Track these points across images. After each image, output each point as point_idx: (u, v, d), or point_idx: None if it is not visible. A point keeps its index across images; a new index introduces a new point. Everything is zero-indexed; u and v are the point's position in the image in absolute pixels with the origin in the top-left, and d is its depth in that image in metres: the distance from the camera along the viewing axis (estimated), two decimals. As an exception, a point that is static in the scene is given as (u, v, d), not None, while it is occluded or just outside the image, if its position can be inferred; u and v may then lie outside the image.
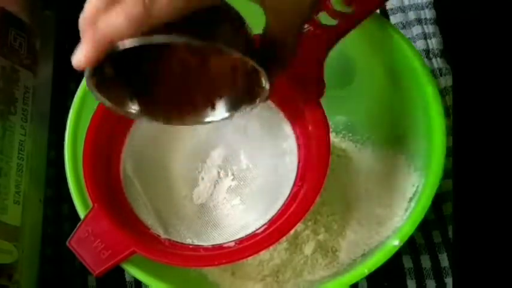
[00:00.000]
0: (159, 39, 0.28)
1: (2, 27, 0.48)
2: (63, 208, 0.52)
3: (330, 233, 0.45)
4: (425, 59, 0.53)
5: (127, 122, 0.41)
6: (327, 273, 0.43)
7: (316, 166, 0.37)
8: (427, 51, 0.54)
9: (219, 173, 0.44)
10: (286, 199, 0.38)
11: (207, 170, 0.44)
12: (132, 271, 0.38)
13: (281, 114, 0.40)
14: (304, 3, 0.31)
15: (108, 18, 0.28)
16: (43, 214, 0.50)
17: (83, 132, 0.40)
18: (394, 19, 0.56)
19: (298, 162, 0.39)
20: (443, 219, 0.49)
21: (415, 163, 0.43)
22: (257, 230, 0.38)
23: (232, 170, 0.44)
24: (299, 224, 0.36)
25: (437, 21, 0.55)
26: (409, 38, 0.53)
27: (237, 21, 0.31)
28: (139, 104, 0.35)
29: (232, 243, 0.38)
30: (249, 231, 0.38)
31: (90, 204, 0.39)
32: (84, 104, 0.42)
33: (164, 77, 0.36)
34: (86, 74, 0.30)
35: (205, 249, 0.39)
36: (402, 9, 0.56)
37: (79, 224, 0.38)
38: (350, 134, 0.50)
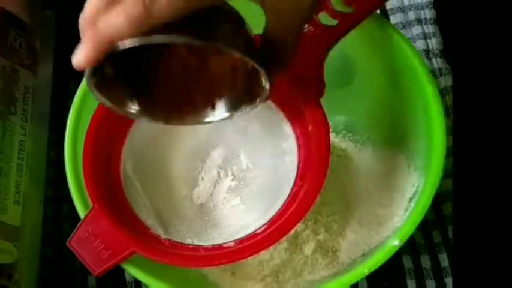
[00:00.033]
0: (159, 39, 0.28)
1: (2, 27, 0.48)
2: (63, 208, 0.52)
3: (330, 233, 0.45)
4: (425, 59, 0.53)
5: (127, 122, 0.41)
6: (327, 273, 0.43)
7: (316, 166, 0.37)
8: (427, 51, 0.54)
9: (219, 173, 0.44)
10: (286, 199, 0.38)
11: (207, 170, 0.44)
12: (132, 271, 0.38)
13: (281, 114, 0.40)
14: (304, 3, 0.31)
15: (108, 18, 0.28)
16: (43, 214, 0.50)
17: (83, 132, 0.40)
18: (394, 19, 0.56)
19: (298, 162, 0.39)
20: (443, 219, 0.49)
21: (415, 163, 0.43)
22: (257, 230, 0.38)
23: (232, 170, 0.44)
24: (299, 224, 0.36)
25: (437, 21, 0.55)
26: (409, 38, 0.53)
27: (237, 21, 0.31)
28: (139, 104, 0.35)
29: (232, 243, 0.38)
30: (249, 231, 0.38)
31: (90, 204, 0.39)
32: (84, 104, 0.42)
33: (164, 77, 0.36)
34: (86, 74, 0.30)
35: (205, 249, 0.39)
36: (402, 9, 0.56)
37: (79, 224, 0.38)
38: (350, 134, 0.50)
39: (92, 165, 0.39)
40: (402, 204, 0.43)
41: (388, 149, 0.47)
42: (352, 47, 0.44)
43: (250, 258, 0.41)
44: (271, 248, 0.38)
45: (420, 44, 0.54)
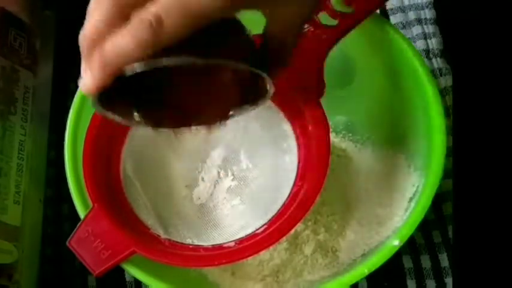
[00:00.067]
0: (168, 61, 0.28)
1: (2, 27, 0.48)
2: (63, 208, 0.52)
3: (330, 233, 0.45)
4: (425, 59, 0.53)
5: (127, 122, 0.41)
6: (327, 273, 0.43)
7: (316, 166, 0.37)
8: (427, 51, 0.54)
9: (219, 173, 0.44)
10: (286, 199, 0.38)
11: (207, 170, 0.44)
12: (132, 271, 0.38)
13: (281, 114, 0.40)
14: (304, 3, 0.31)
15: (114, 41, 0.28)
16: (43, 214, 0.50)
17: (83, 132, 0.40)
18: (394, 19, 0.56)
19: (298, 162, 0.39)
20: (443, 219, 0.49)
21: (415, 163, 0.43)
22: (257, 230, 0.38)
23: (232, 170, 0.44)
24: (299, 224, 0.36)
25: (437, 21, 0.55)
26: (409, 38, 0.53)
27: (239, 29, 0.31)
28: (145, 115, 0.35)
29: (232, 243, 0.38)
30: (249, 231, 0.38)
31: (90, 204, 0.39)
32: (84, 104, 0.42)
33: (171, 90, 0.36)
34: (92, 96, 0.30)
35: (205, 249, 0.39)
36: (402, 9, 0.56)
37: (79, 224, 0.38)
38: (350, 134, 0.50)
39: (92, 165, 0.39)
40: (402, 204, 0.43)
41: (388, 149, 0.47)
42: (352, 47, 0.44)
43: (250, 258, 0.41)
44: (271, 248, 0.38)
45: (420, 44, 0.54)
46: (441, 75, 0.53)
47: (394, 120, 0.46)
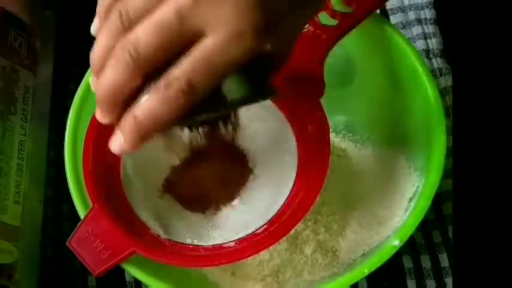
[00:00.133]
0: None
1: (2, 27, 0.48)
2: (63, 208, 0.52)
3: (330, 233, 0.45)
4: (425, 59, 0.53)
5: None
6: (327, 273, 0.43)
7: (316, 166, 0.37)
8: (427, 51, 0.54)
9: (219, 173, 0.44)
10: (286, 199, 0.38)
11: (207, 170, 0.44)
12: (132, 271, 0.38)
13: (281, 114, 0.40)
14: (302, 21, 0.32)
15: (147, 107, 0.28)
16: (43, 214, 0.50)
17: (83, 132, 0.40)
18: (394, 19, 0.56)
19: (298, 162, 0.39)
20: (443, 219, 0.49)
21: (415, 163, 0.43)
22: (257, 230, 0.38)
23: (233, 170, 0.44)
24: (299, 224, 0.36)
25: (437, 21, 0.55)
26: (409, 38, 0.53)
27: None
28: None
29: (232, 243, 0.38)
30: (249, 231, 0.38)
31: (90, 204, 0.39)
32: (84, 104, 0.42)
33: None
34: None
35: (205, 249, 0.39)
36: (402, 9, 0.56)
37: (79, 224, 0.38)
38: (350, 134, 0.50)
39: (92, 165, 0.39)
40: (402, 204, 0.43)
41: (388, 149, 0.47)
42: (352, 47, 0.44)
43: (250, 258, 0.41)
44: (271, 248, 0.38)
45: (420, 44, 0.54)
46: (441, 75, 0.53)
47: (394, 120, 0.46)
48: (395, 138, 0.47)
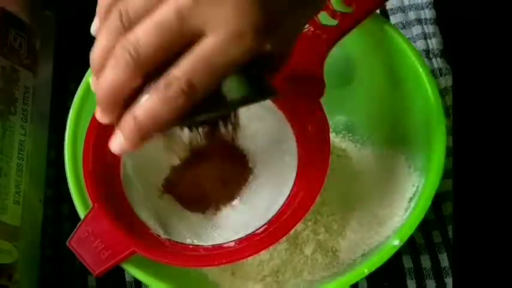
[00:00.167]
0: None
1: (2, 27, 0.48)
2: (63, 208, 0.52)
3: (330, 233, 0.45)
4: (425, 59, 0.53)
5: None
6: (327, 273, 0.43)
7: (316, 166, 0.37)
8: (427, 51, 0.54)
9: (219, 172, 0.44)
10: (286, 199, 0.38)
11: (207, 170, 0.44)
12: (132, 271, 0.38)
13: (281, 114, 0.40)
14: (302, 21, 0.32)
15: (147, 107, 0.28)
16: (43, 214, 0.50)
17: (83, 132, 0.40)
18: (394, 19, 0.56)
19: (298, 162, 0.39)
20: (443, 219, 0.49)
21: (415, 163, 0.43)
22: (257, 230, 0.38)
23: (233, 170, 0.44)
24: (299, 224, 0.36)
25: (437, 21, 0.55)
26: (409, 38, 0.53)
27: None
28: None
29: (232, 243, 0.38)
30: (249, 231, 0.38)
31: (90, 204, 0.39)
32: (84, 104, 0.42)
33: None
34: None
35: (205, 249, 0.39)
36: (402, 9, 0.56)
37: (79, 224, 0.38)
38: (350, 134, 0.50)
39: (92, 165, 0.39)
40: (402, 204, 0.43)
41: (388, 149, 0.47)
42: (352, 47, 0.44)
43: (250, 258, 0.41)
44: (271, 248, 0.38)
45: (420, 44, 0.54)
46: (441, 75, 0.53)
47: (394, 120, 0.46)
48: (395, 138, 0.47)
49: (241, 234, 0.38)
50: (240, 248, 0.37)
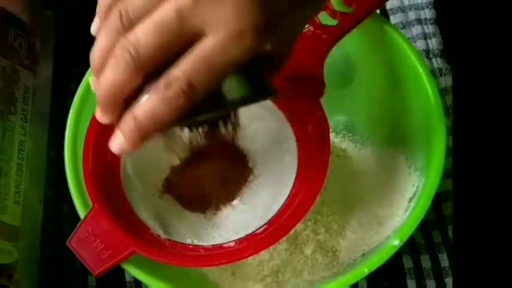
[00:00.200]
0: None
1: (2, 27, 0.48)
2: (63, 208, 0.52)
3: (330, 233, 0.45)
4: (425, 59, 0.53)
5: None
6: (327, 273, 0.43)
7: (316, 166, 0.37)
8: (427, 51, 0.54)
9: (219, 172, 0.44)
10: (286, 199, 0.38)
11: (207, 170, 0.44)
12: (132, 271, 0.38)
13: (281, 115, 0.40)
14: (302, 21, 0.32)
15: (147, 107, 0.28)
16: (43, 214, 0.50)
17: (83, 132, 0.40)
18: (394, 19, 0.56)
19: (298, 162, 0.39)
20: (443, 219, 0.49)
21: (415, 163, 0.43)
22: (257, 230, 0.38)
23: (233, 169, 0.44)
24: (299, 224, 0.36)
25: (437, 21, 0.55)
26: (409, 38, 0.53)
27: None
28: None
29: (232, 243, 0.38)
30: (249, 231, 0.38)
31: (90, 204, 0.39)
32: (84, 104, 0.42)
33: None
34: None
35: (205, 249, 0.39)
36: (402, 9, 0.56)
37: (79, 224, 0.38)
38: (350, 134, 0.50)
39: (92, 165, 0.39)
40: (402, 204, 0.43)
41: (388, 149, 0.47)
42: (352, 47, 0.44)
43: (250, 258, 0.41)
44: (271, 248, 0.38)
45: (420, 44, 0.54)
46: (441, 75, 0.53)
47: (394, 120, 0.46)
48: (395, 138, 0.47)
49: (241, 234, 0.38)
50: (240, 248, 0.37)
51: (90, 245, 0.38)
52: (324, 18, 0.40)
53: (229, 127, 0.37)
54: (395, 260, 0.46)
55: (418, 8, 0.56)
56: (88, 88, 0.42)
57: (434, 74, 0.53)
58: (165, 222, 0.41)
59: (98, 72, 0.29)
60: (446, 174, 0.39)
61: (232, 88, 0.29)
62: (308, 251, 0.44)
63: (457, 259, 0.40)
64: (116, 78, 0.28)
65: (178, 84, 0.27)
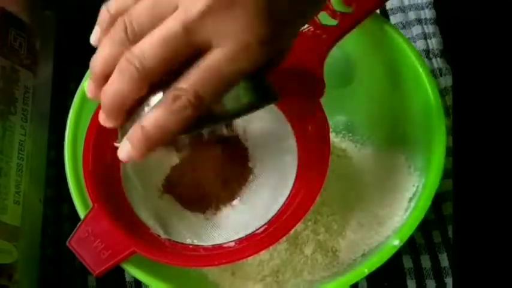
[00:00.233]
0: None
1: (2, 27, 0.48)
2: (63, 208, 0.52)
3: (330, 233, 0.45)
4: (425, 59, 0.53)
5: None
6: (327, 273, 0.43)
7: (316, 166, 0.37)
8: (427, 51, 0.54)
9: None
10: (286, 199, 0.38)
11: (207, 170, 0.44)
12: (132, 271, 0.38)
13: (281, 114, 0.40)
14: (302, 25, 0.32)
15: (155, 119, 0.29)
16: (43, 214, 0.50)
17: (83, 132, 0.40)
18: (394, 19, 0.56)
19: (298, 162, 0.39)
20: (443, 219, 0.49)
21: (415, 163, 0.43)
22: (257, 230, 0.38)
23: (233, 170, 0.44)
24: (299, 224, 0.36)
25: (437, 21, 0.55)
26: (409, 38, 0.53)
27: None
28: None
29: (232, 243, 0.38)
30: (249, 231, 0.38)
31: (90, 204, 0.39)
32: (84, 104, 0.42)
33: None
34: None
35: (205, 249, 0.39)
36: (402, 9, 0.56)
37: (79, 224, 0.38)
38: (350, 134, 0.50)
39: (92, 165, 0.39)
40: (402, 204, 0.43)
41: (388, 149, 0.47)
42: (352, 47, 0.44)
43: (250, 258, 0.41)
44: (271, 248, 0.38)
45: (420, 44, 0.54)
46: (441, 75, 0.53)
47: (394, 120, 0.46)
48: (395, 138, 0.47)
49: (241, 234, 0.38)
50: (240, 248, 0.37)
51: (90, 245, 0.38)
52: (324, 18, 0.40)
53: (229, 127, 0.37)
54: (395, 260, 0.46)
55: (418, 8, 0.56)
56: (88, 88, 0.42)
57: (434, 74, 0.53)
58: (165, 222, 0.41)
59: (99, 80, 0.30)
60: (446, 174, 0.39)
61: (237, 96, 0.30)
62: (308, 251, 0.44)
63: (457, 259, 0.40)
64: (121, 89, 0.29)
65: (186, 96, 0.28)
